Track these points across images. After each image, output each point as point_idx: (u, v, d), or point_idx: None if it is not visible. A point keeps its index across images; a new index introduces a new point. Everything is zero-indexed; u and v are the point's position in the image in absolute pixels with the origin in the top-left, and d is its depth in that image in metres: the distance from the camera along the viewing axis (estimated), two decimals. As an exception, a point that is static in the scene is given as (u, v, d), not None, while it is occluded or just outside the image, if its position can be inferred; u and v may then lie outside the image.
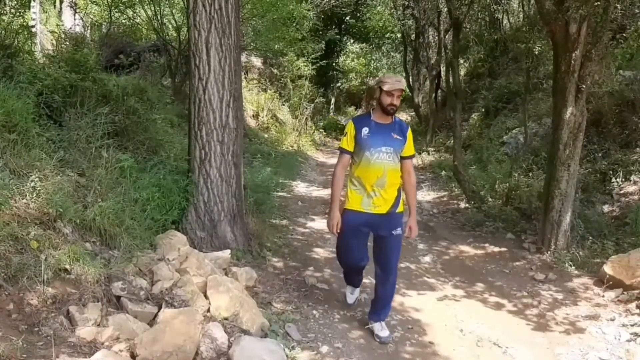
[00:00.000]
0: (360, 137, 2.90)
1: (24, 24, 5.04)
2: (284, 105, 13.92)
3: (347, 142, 2.94)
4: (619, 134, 6.45)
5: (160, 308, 2.71)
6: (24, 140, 3.25)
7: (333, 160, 11.73)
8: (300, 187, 8.09)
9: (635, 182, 5.73)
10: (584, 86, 4.62)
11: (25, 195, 2.83)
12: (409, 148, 2.98)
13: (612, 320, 3.46)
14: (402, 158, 2.97)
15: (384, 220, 2.93)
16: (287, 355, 2.64)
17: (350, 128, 2.95)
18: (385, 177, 2.89)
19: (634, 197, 5.55)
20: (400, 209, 2.99)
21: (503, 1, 9.46)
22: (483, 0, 8.13)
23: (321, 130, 16.14)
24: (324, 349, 2.91)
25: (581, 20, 4.47)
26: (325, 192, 7.70)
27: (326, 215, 6.48)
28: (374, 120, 2.94)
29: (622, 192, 5.75)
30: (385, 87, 2.84)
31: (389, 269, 3.00)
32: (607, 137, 6.48)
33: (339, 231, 2.99)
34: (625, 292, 3.79)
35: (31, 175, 2.94)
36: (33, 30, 5.37)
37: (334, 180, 3.00)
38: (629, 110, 6.47)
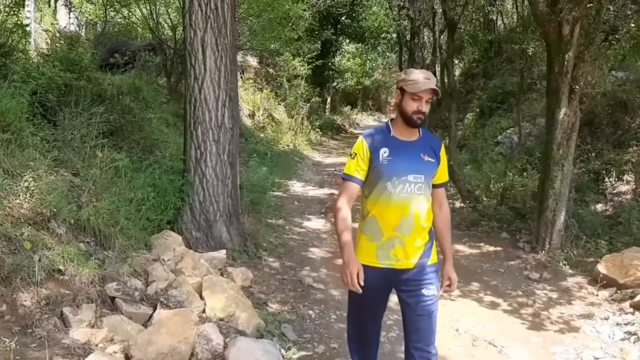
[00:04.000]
0: (379, 161, 2.01)
1: (18, 22, 4.98)
2: (280, 104, 13.91)
3: (357, 168, 2.03)
4: (611, 134, 6.51)
5: (155, 309, 2.70)
6: (18, 140, 3.24)
7: (329, 160, 11.80)
8: (297, 187, 8.08)
9: (627, 182, 5.79)
10: (577, 87, 4.65)
11: (19, 195, 2.81)
12: (442, 173, 2.13)
13: (606, 319, 3.49)
14: (432, 186, 2.11)
15: (410, 277, 2.06)
16: (283, 356, 2.64)
17: (361, 147, 2.04)
18: (412, 217, 2.02)
19: (627, 197, 5.61)
20: (433, 259, 2.11)
21: (497, 2, 9.50)
22: (477, 1, 8.16)
23: (317, 129, 16.14)
24: (320, 349, 2.91)
25: (574, 22, 4.51)
26: (321, 192, 7.70)
27: (322, 215, 6.44)
28: (394, 136, 2.06)
29: (615, 191, 5.80)
30: (410, 88, 1.98)
31: (424, 343, 2.07)
32: (600, 137, 6.54)
33: (359, 285, 1.90)
34: (618, 291, 3.82)
35: (25, 175, 2.92)
36: (27, 29, 5.31)
37: (338, 218, 2.02)
38: (621, 111, 6.53)
